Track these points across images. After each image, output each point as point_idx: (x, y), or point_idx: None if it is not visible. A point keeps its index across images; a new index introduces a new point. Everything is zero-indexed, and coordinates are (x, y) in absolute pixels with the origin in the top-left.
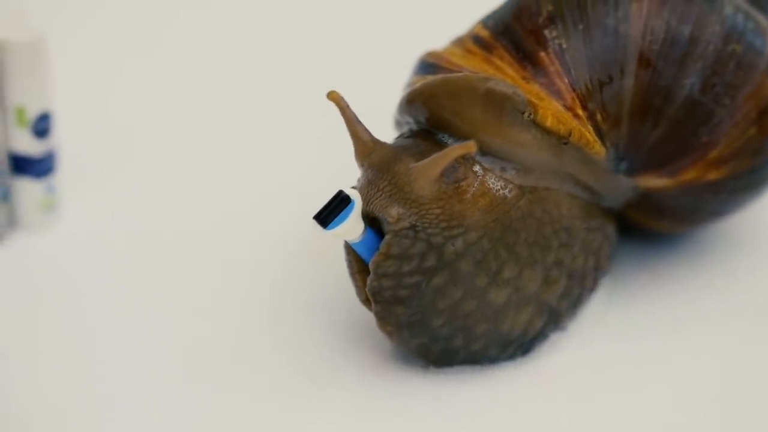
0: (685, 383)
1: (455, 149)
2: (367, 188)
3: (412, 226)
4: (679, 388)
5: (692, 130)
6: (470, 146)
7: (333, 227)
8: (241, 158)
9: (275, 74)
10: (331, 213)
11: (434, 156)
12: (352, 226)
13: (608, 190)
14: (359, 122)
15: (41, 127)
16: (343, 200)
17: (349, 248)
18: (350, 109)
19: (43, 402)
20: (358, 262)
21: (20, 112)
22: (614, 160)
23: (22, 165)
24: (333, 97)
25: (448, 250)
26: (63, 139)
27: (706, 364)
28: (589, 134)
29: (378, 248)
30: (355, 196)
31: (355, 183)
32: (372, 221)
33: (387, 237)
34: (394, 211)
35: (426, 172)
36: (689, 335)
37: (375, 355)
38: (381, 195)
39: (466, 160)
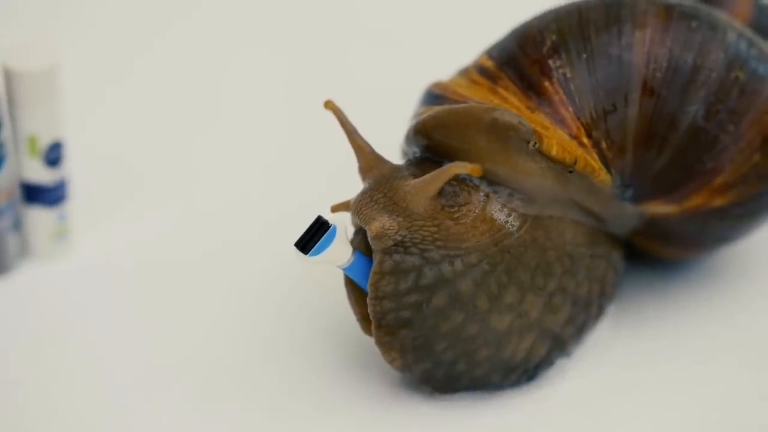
0: (692, 411)
1: (453, 167)
2: (360, 197)
3: (400, 242)
4: (686, 416)
5: (697, 156)
6: (473, 168)
7: (316, 254)
8: (249, 186)
9: (282, 105)
10: (311, 239)
11: (432, 173)
12: (337, 251)
13: (614, 217)
14: (359, 135)
15: (53, 156)
16: (322, 225)
17: (345, 274)
18: (349, 121)
19: (58, 428)
20: (354, 288)
21: (32, 142)
22: (620, 188)
23: (33, 194)
24: (331, 106)
25: (445, 268)
26: (74, 168)
27: (713, 392)
28: (595, 162)
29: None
30: (337, 220)
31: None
32: (365, 242)
33: (378, 255)
34: (376, 225)
35: (423, 189)
36: (696, 363)
37: (380, 382)
38: (373, 206)
39: (470, 186)
